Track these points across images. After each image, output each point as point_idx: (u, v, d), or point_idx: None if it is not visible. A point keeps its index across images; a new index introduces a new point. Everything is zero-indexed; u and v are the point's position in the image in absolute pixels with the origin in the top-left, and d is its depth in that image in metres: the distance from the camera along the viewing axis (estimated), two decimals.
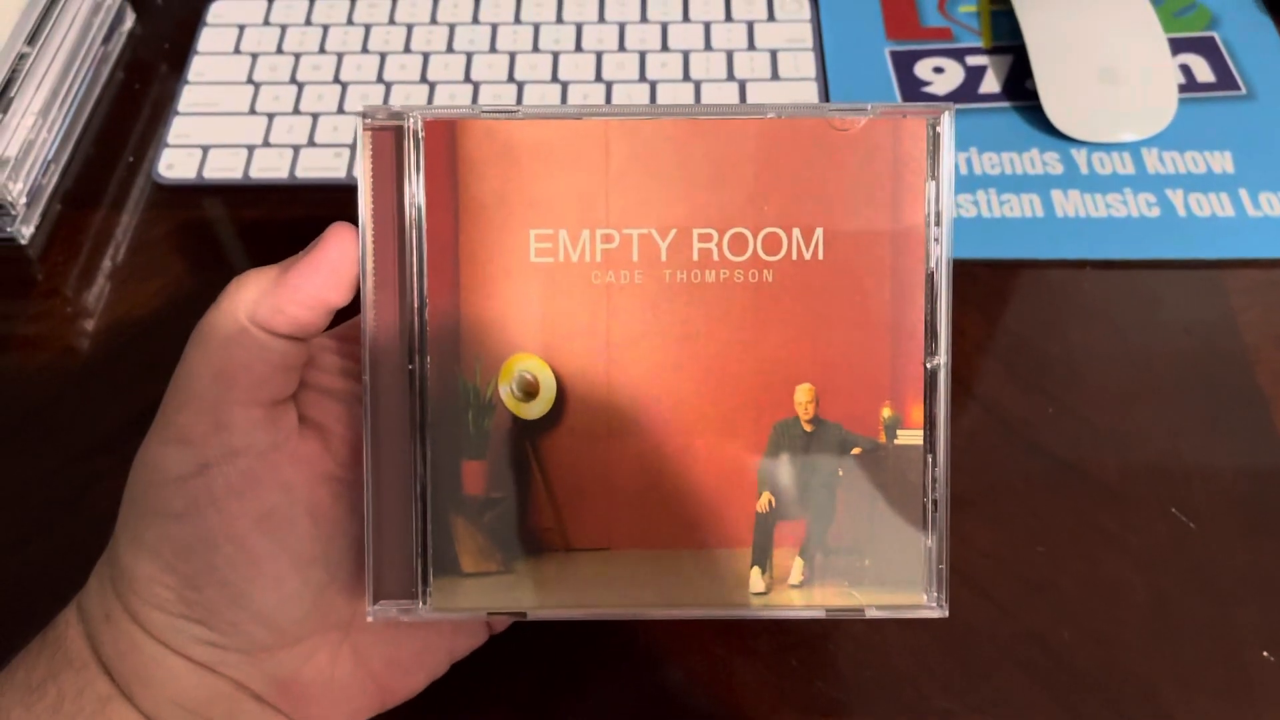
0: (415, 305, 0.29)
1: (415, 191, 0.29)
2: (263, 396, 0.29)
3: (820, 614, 0.30)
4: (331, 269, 0.29)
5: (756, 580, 0.30)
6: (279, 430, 0.29)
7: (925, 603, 0.30)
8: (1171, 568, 0.39)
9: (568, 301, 0.29)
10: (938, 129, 0.29)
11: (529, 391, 0.30)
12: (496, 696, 0.36)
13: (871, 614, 0.30)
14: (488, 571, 0.29)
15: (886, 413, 0.30)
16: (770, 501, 0.30)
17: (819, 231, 0.29)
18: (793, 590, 0.30)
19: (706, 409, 0.30)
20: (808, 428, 0.30)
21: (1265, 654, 0.37)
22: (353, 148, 0.52)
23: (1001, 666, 0.37)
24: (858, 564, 0.30)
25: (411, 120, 0.29)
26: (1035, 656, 0.37)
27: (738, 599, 0.30)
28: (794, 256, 0.29)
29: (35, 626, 0.30)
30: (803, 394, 0.30)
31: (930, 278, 0.29)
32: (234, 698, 0.29)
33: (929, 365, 0.29)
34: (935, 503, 0.29)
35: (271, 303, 0.29)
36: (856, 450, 0.30)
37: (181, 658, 0.28)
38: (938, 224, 0.29)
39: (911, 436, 0.30)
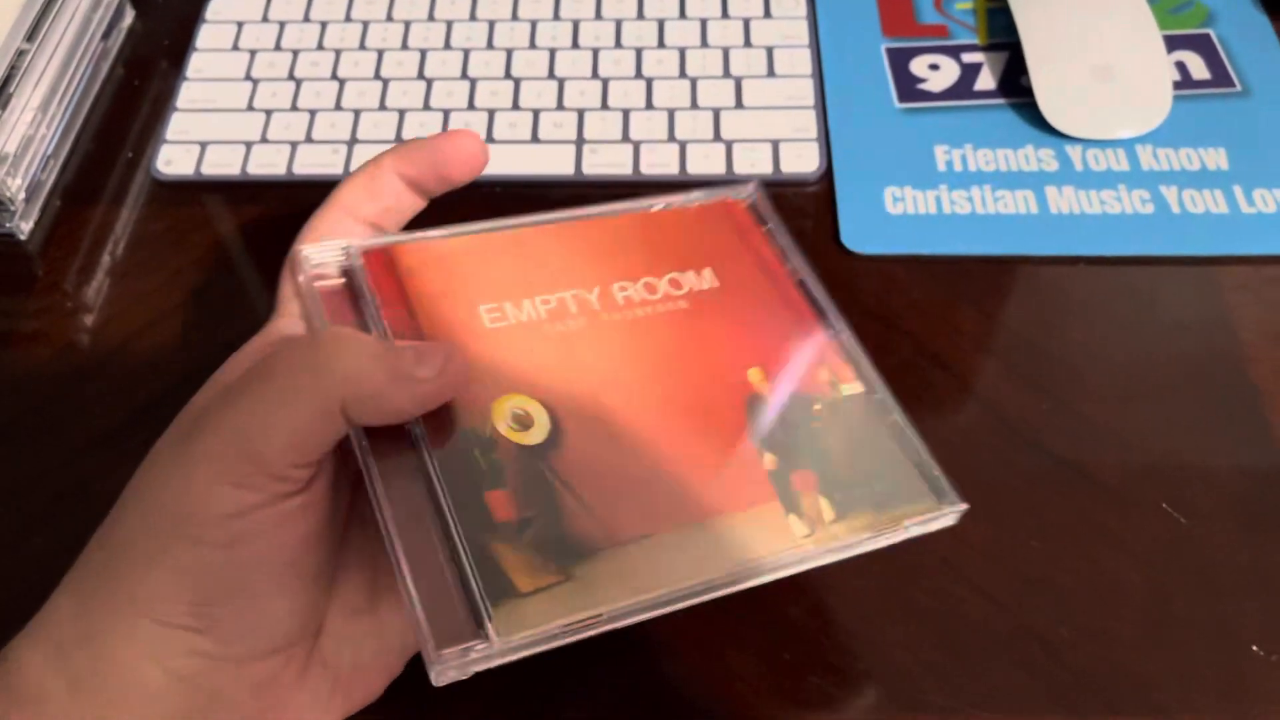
0: None
1: (370, 301, 0.33)
2: (318, 456, 0.29)
3: (868, 543, 0.31)
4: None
5: (798, 525, 0.31)
6: (316, 478, 0.30)
7: (944, 507, 0.32)
8: (1167, 564, 0.39)
9: (533, 349, 0.33)
10: (753, 203, 0.39)
11: (524, 423, 0.31)
12: (493, 693, 0.37)
13: (912, 530, 0.32)
14: (546, 585, 0.29)
15: (825, 375, 0.35)
16: (775, 459, 0.32)
17: (708, 270, 0.37)
18: (834, 526, 0.31)
19: (686, 401, 0.33)
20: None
21: (1257, 649, 0.37)
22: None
23: (998, 662, 0.37)
24: (872, 491, 0.32)
25: (351, 255, 0.34)
26: (1032, 652, 0.37)
27: (790, 545, 0.31)
28: (697, 289, 0.36)
29: None
30: (755, 375, 0.34)
31: (801, 284, 0.37)
32: (207, 710, 0.29)
33: (837, 338, 0.36)
34: (900, 426, 0.34)
35: (375, 407, 0.29)
36: (817, 407, 0.34)
37: (163, 670, 0.28)
38: (783, 256, 0.38)
39: (853, 388, 0.35)
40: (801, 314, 0.37)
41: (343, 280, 0.34)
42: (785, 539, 0.31)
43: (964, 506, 0.32)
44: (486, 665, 0.28)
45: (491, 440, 0.31)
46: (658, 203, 0.38)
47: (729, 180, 0.41)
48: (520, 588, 0.28)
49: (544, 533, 0.30)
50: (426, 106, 0.53)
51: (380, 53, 0.56)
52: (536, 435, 0.31)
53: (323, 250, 0.34)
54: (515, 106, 0.53)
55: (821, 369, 0.35)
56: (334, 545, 0.31)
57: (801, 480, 0.32)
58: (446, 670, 0.27)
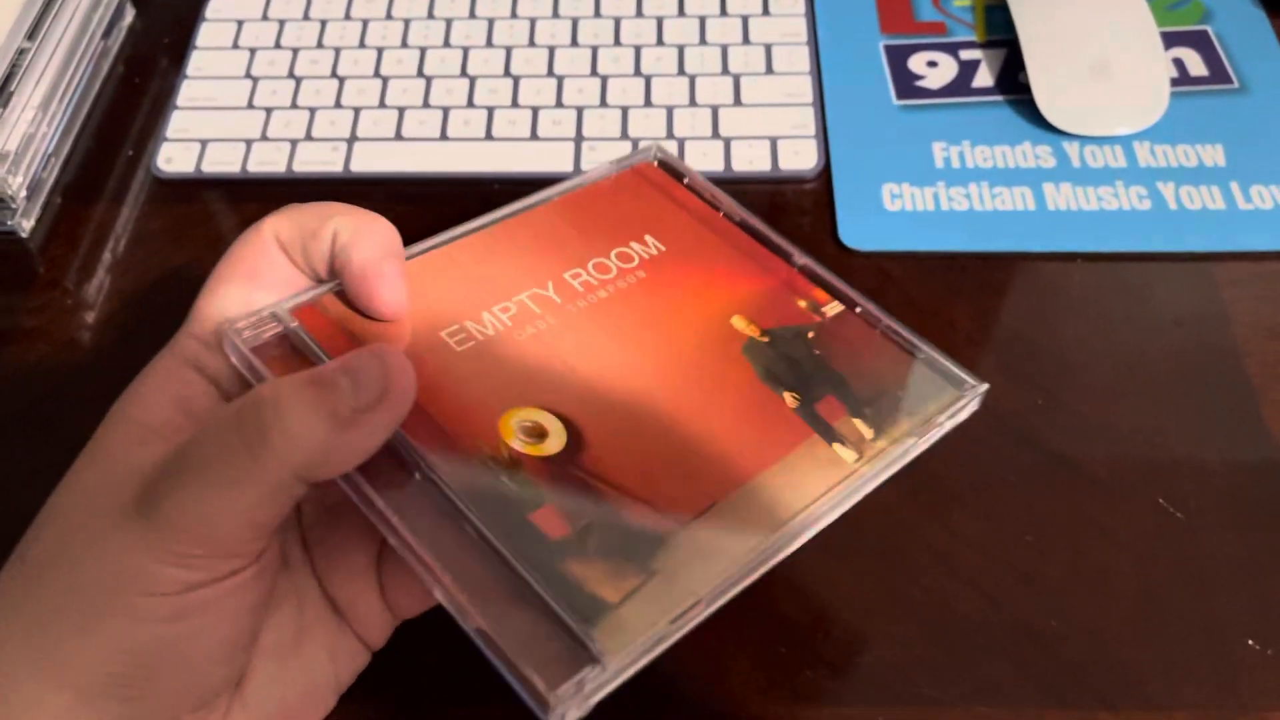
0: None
1: (321, 357, 0.31)
2: (275, 528, 0.27)
3: (913, 449, 0.31)
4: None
5: (845, 452, 0.31)
6: (268, 547, 0.28)
7: (966, 393, 0.33)
8: (1160, 558, 0.39)
9: (512, 359, 0.32)
10: (662, 159, 0.39)
11: (537, 434, 0.30)
12: (489, 690, 0.37)
13: (946, 425, 0.32)
14: (634, 588, 0.27)
15: (802, 303, 0.35)
16: (794, 396, 0.32)
17: (649, 236, 0.36)
18: (877, 442, 0.31)
19: (685, 365, 0.33)
20: (764, 339, 0.34)
21: (1250, 642, 0.37)
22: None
23: (990, 656, 0.37)
24: (895, 399, 0.33)
25: (281, 317, 0.31)
26: (1023, 646, 0.37)
27: (846, 473, 0.30)
28: (646, 256, 0.36)
29: None
30: (740, 322, 0.34)
31: (743, 224, 0.37)
32: None
33: (799, 265, 0.36)
34: (895, 330, 0.34)
35: (333, 463, 0.26)
36: (810, 334, 0.34)
37: None
38: (714, 201, 0.38)
39: (833, 308, 0.35)
40: (755, 252, 0.36)
41: (281, 347, 0.31)
42: (839, 469, 0.30)
43: (984, 386, 0.33)
44: (605, 691, 0.25)
45: (513, 461, 0.29)
46: (568, 186, 0.38)
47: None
48: (609, 599, 0.26)
49: (607, 537, 0.28)
50: (426, 104, 0.54)
51: (380, 50, 0.56)
52: (555, 443, 0.30)
53: (251, 320, 0.31)
54: (514, 104, 0.53)
55: (798, 298, 0.35)
56: (263, 616, 0.30)
57: (827, 409, 0.32)
58: (568, 711, 0.25)
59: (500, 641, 0.25)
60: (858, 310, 0.35)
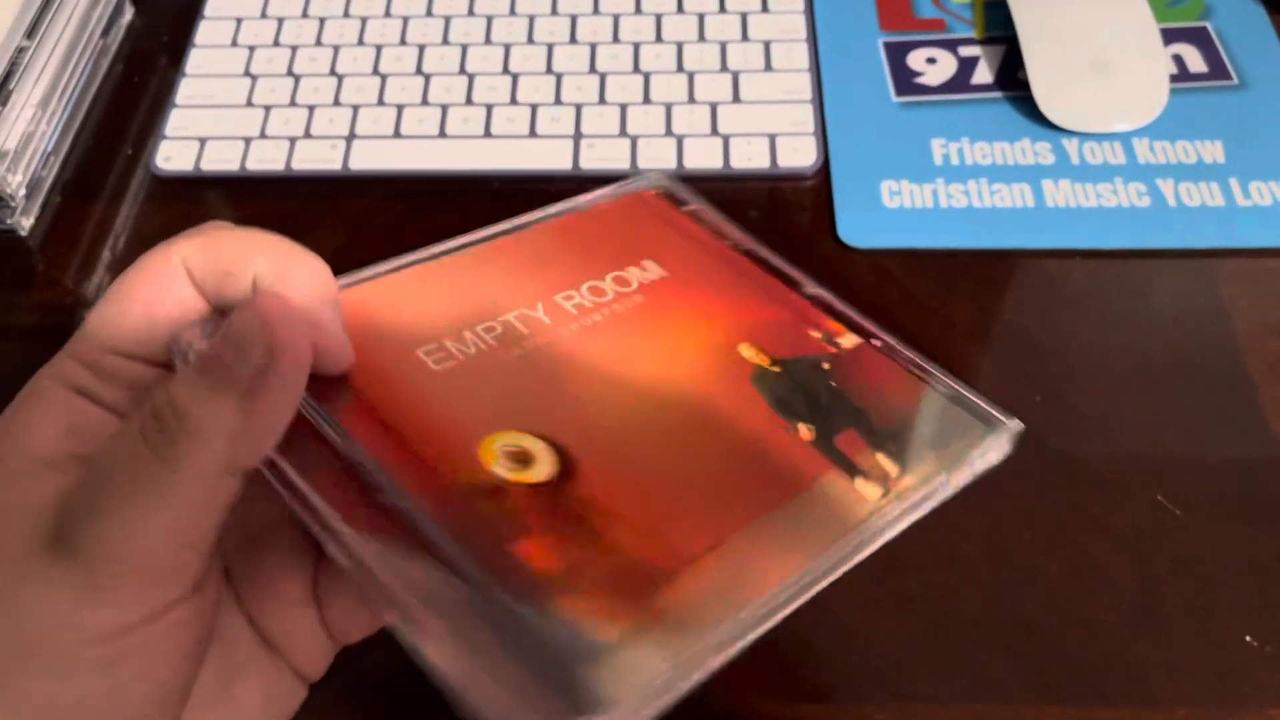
0: (344, 454, 0.26)
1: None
2: (210, 547, 0.25)
3: (947, 485, 0.29)
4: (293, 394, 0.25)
5: (868, 487, 0.28)
6: (208, 574, 0.25)
7: (997, 429, 0.30)
8: (1158, 554, 0.39)
9: (496, 381, 0.29)
10: (666, 187, 0.38)
11: (522, 460, 0.27)
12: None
13: (978, 464, 0.30)
14: (636, 628, 0.24)
15: (816, 334, 0.33)
16: (810, 428, 0.29)
17: (649, 261, 0.34)
18: (904, 479, 0.28)
19: (690, 392, 0.30)
20: (775, 369, 0.31)
21: (1249, 639, 0.37)
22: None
23: (988, 651, 0.37)
24: (921, 435, 0.30)
25: None
26: (1021, 641, 0.37)
27: (871, 509, 0.27)
28: (646, 281, 0.33)
29: None
30: (748, 350, 0.31)
31: (750, 253, 0.35)
32: None
33: (809, 294, 0.34)
34: (919, 363, 0.32)
35: (250, 450, 0.24)
36: (826, 364, 0.32)
37: None
38: (719, 232, 0.36)
39: (849, 340, 0.33)
40: (763, 281, 0.34)
41: None
42: (863, 505, 0.28)
43: (1018, 425, 0.30)
44: None
45: (495, 488, 0.26)
46: (563, 208, 0.36)
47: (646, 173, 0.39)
48: (607, 638, 0.23)
49: (603, 572, 0.25)
50: (425, 102, 0.54)
51: (379, 48, 0.56)
52: (542, 470, 0.27)
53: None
54: (513, 101, 0.53)
55: (810, 329, 0.33)
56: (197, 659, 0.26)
57: (848, 442, 0.29)
58: None
59: (493, 693, 0.22)
60: (875, 343, 0.32)
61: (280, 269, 0.26)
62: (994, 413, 0.31)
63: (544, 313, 0.31)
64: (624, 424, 0.29)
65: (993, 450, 0.30)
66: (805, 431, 0.29)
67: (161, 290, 0.27)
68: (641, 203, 0.37)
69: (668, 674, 0.23)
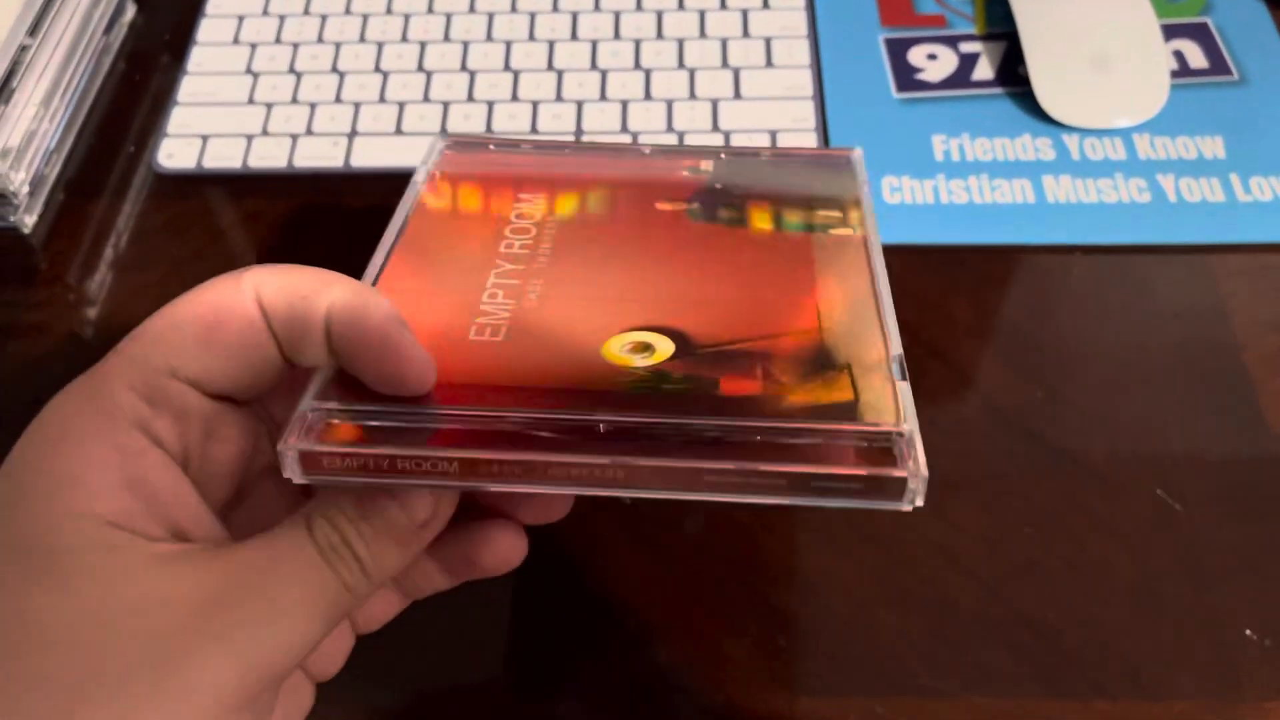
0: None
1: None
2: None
3: (869, 218, 0.35)
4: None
5: (844, 230, 0.34)
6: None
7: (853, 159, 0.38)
8: (1157, 550, 0.39)
9: (548, 322, 0.30)
10: (454, 140, 0.38)
11: (646, 348, 0.29)
12: (485, 684, 0.37)
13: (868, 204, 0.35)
14: (852, 382, 0.28)
15: (684, 172, 0.37)
16: (764, 217, 0.35)
17: (522, 195, 0.35)
18: (851, 218, 0.35)
19: (671, 249, 0.33)
20: (693, 203, 0.35)
21: (1248, 633, 0.37)
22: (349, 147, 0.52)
23: (988, 646, 0.37)
24: (821, 194, 0.36)
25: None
26: (1022, 636, 0.37)
27: (861, 236, 0.34)
28: (537, 204, 0.35)
29: None
30: (665, 205, 0.35)
31: (566, 145, 0.39)
32: None
33: (649, 151, 0.38)
34: (775, 150, 0.40)
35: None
36: (718, 185, 0.36)
37: None
38: (529, 143, 0.38)
39: (708, 162, 0.37)
40: (611, 154, 0.38)
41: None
42: (856, 244, 0.34)
43: (858, 150, 0.38)
44: (921, 452, 0.26)
45: (654, 374, 0.28)
46: (390, 238, 0.33)
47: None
48: (846, 398, 0.27)
49: (789, 368, 0.28)
50: (426, 99, 0.54)
51: (380, 45, 0.56)
52: (665, 346, 0.29)
53: (298, 429, 0.26)
54: (514, 98, 0.54)
55: (679, 170, 0.37)
56: None
57: (797, 216, 0.35)
58: (919, 490, 0.26)
59: (830, 470, 0.25)
60: (723, 156, 0.37)
61: (357, 295, 0.26)
62: (838, 150, 0.38)
63: (511, 263, 0.32)
64: (664, 289, 0.31)
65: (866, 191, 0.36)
66: (761, 220, 0.34)
67: (227, 313, 0.26)
68: (446, 176, 0.36)
69: (899, 391, 0.27)
